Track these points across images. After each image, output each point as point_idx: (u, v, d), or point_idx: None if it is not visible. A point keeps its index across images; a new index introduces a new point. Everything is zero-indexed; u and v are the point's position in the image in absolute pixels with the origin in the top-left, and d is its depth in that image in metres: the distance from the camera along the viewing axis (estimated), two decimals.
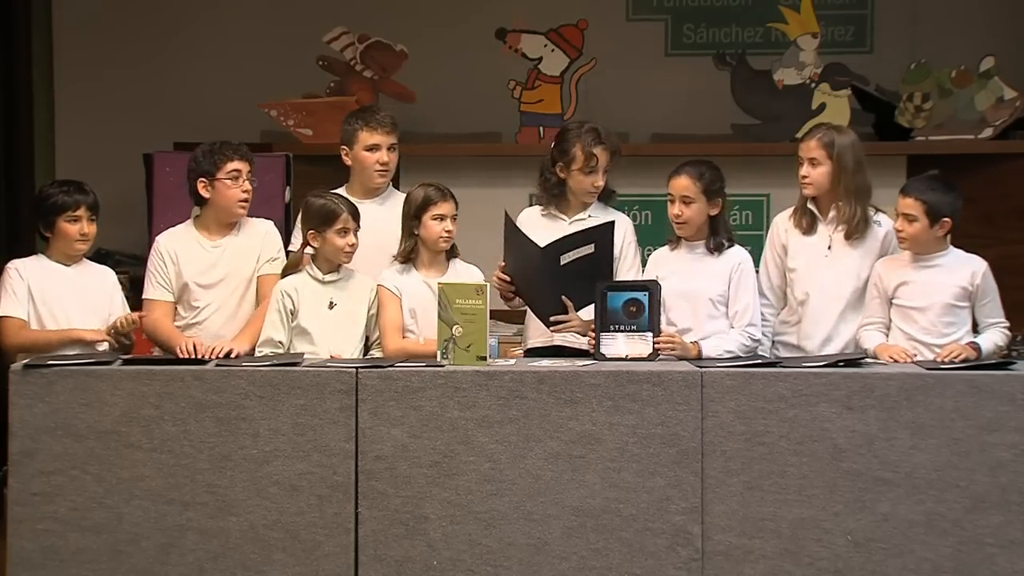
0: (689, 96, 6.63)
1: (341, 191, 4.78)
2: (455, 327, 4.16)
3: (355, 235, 4.49)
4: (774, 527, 4.04)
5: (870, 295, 4.53)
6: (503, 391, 4.07)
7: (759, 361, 4.26)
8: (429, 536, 4.08)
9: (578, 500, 4.06)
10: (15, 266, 4.53)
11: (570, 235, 4.47)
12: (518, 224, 4.66)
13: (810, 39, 6.35)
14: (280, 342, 4.47)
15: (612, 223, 4.48)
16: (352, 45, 6.48)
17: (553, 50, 6.46)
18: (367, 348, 4.55)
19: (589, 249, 4.39)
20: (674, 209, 4.51)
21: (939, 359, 4.23)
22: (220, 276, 4.62)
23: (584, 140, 4.62)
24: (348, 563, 4.09)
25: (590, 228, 4.50)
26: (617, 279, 4.56)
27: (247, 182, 4.61)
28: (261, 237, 4.71)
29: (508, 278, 4.54)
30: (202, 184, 4.61)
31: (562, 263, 4.39)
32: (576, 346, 4.60)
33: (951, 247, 4.48)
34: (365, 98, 6.34)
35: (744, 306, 4.48)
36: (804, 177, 4.59)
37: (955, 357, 4.21)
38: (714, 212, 4.51)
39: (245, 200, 4.63)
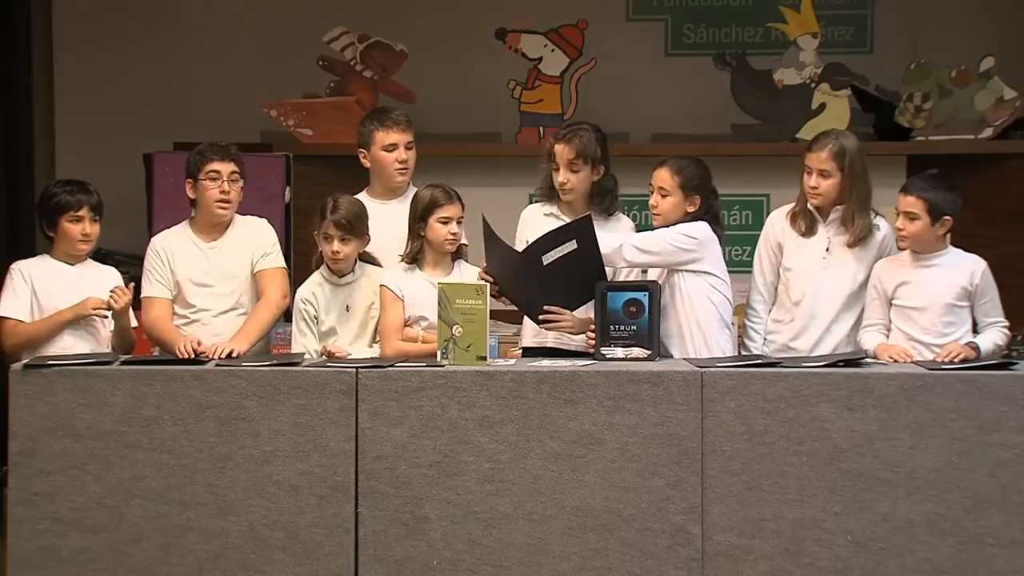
0: (689, 96, 6.62)
1: (363, 195, 4.79)
2: (455, 327, 4.16)
3: (341, 243, 4.48)
4: (774, 527, 4.04)
5: (870, 296, 4.53)
6: (503, 391, 4.07)
7: (759, 361, 4.26)
8: (429, 536, 4.08)
9: (578, 500, 4.06)
10: (19, 267, 4.55)
11: (546, 235, 4.43)
12: (521, 222, 4.68)
13: (810, 39, 6.35)
14: (314, 351, 4.50)
15: (588, 216, 4.45)
16: (352, 45, 6.48)
17: (553, 50, 6.46)
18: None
19: (571, 246, 4.35)
20: (651, 200, 4.54)
21: (938, 359, 4.24)
22: (215, 277, 4.63)
23: (552, 136, 4.68)
24: (348, 563, 4.09)
25: (565, 225, 4.47)
26: (617, 280, 4.56)
27: (227, 183, 4.60)
28: (254, 234, 4.71)
29: (491, 278, 4.53)
30: (189, 185, 4.64)
31: (545, 263, 4.37)
32: (571, 347, 4.60)
33: (950, 247, 4.49)
34: (365, 98, 6.35)
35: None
36: (814, 188, 4.57)
37: (954, 357, 4.21)
38: (691, 209, 4.51)
39: (222, 201, 4.61)
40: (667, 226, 4.51)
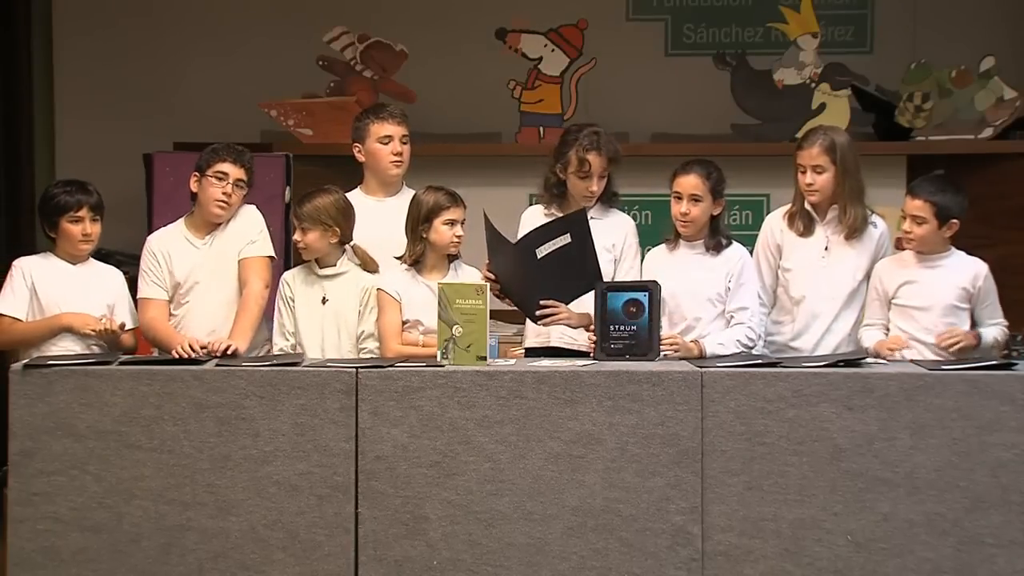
0: (689, 96, 6.63)
1: (357, 192, 4.79)
2: (455, 327, 4.16)
3: (300, 232, 4.52)
4: (774, 527, 4.04)
5: (870, 296, 4.54)
6: (503, 391, 4.07)
7: (759, 361, 4.25)
8: (429, 536, 4.08)
9: (578, 500, 4.06)
10: (20, 264, 4.55)
11: (540, 227, 4.44)
12: (522, 223, 4.68)
13: (810, 39, 6.35)
14: (289, 332, 4.53)
15: (583, 211, 4.46)
16: (352, 45, 6.48)
17: (553, 50, 6.46)
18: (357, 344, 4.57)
19: (565, 239, 4.36)
20: (681, 207, 4.49)
21: (939, 342, 4.25)
22: (210, 272, 4.62)
23: (580, 144, 4.60)
24: (348, 563, 4.09)
25: (560, 218, 4.49)
26: (615, 280, 4.56)
27: (231, 186, 4.59)
28: (242, 225, 4.69)
29: (494, 276, 4.53)
30: (194, 178, 4.64)
31: (539, 256, 4.37)
32: (574, 347, 4.60)
33: (953, 248, 4.49)
34: (365, 98, 6.34)
35: (744, 303, 4.48)
36: (810, 185, 4.57)
37: (955, 342, 4.23)
38: (717, 212, 4.52)
39: (221, 202, 4.60)
40: (697, 232, 4.51)
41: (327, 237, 4.53)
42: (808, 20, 6.35)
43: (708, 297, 4.49)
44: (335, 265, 4.57)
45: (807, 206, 4.64)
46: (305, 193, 4.60)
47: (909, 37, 6.61)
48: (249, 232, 4.67)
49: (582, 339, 4.56)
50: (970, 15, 6.66)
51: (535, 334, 4.72)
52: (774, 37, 6.49)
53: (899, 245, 4.69)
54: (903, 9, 6.68)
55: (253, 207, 4.76)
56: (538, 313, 4.47)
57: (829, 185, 4.57)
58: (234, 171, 4.60)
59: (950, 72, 6.29)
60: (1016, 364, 4.18)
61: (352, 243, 4.61)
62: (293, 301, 4.55)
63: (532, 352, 4.68)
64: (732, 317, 4.49)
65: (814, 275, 4.60)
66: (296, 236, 4.55)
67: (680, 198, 4.50)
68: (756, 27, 6.69)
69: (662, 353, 4.30)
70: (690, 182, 4.48)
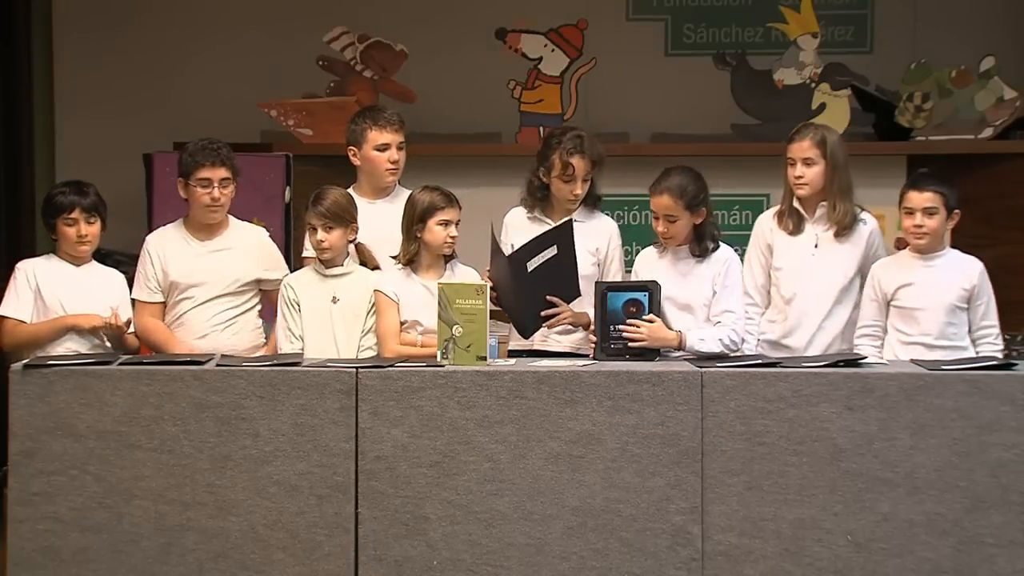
0: (689, 96, 6.63)
1: (349, 192, 4.79)
2: (455, 327, 4.16)
3: (325, 231, 4.47)
4: (774, 527, 4.04)
5: (867, 296, 4.52)
6: (503, 391, 4.07)
7: (759, 361, 4.25)
8: (429, 536, 4.08)
9: (578, 500, 4.06)
10: (23, 267, 4.56)
11: (531, 241, 4.47)
12: (505, 226, 4.71)
13: (810, 39, 6.36)
14: (296, 336, 4.49)
15: (569, 222, 4.48)
16: (352, 45, 6.49)
17: (553, 50, 6.46)
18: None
19: (552, 251, 4.40)
20: (659, 226, 4.48)
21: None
22: (206, 276, 4.62)
23: (563, 148, 4.61)
24: (348, 563, 4.09)
25: (549, 231, 4.51)
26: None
27: (217, 189, 4.58)
28: (256, 247, 4.71)
29: (492, 284, 4.54)
30: (180, 184, 4.63)
31: (530, 269, 4.40)
32: (556, 349, 4.60)
33: (948, 247, 4.49)
34: (365, 98, 6.34)
35: (728, 307, 4.45)
36: (799, 178, 4.57)
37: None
38: (698, 221, 4.48)
39: (212, 207, 4.60)
40: (682, 241, 4.49)
41: (347, 234, 4.53)
42: (808, 20, 6.35)
43: (697, 304, 4.47)
44: (343, 264, 4.57)
45: (796, 204, 4.63)
46: (315, 194, 4.54)
47: (909, 37, 6.62)
48: (272, 262, 4.71)
49: (567, 340, 4.59)
50: (970, 15, 6.66)
51: (517, 336, 4.72)
52: (774, 37, 6.49)
53: (899, 244, 4.68)
54: (903, 9, 6.68)
55: (265, 233, 4.76)
56: (544, 312, 4.47)
57: (819, 179, 4.56)
58: (215, 173, 4.58)
59: (950, 72, 6.30)
60: (1016, 364, 4.19)
61: (356, 241, 4.61)
62: (299, 304, 4.53)
63: (515, 355, 4.66)
64: (718, 321, 4.46)
65: (804, 273, 4.59)
66: (320, 236, 4.47)
67: (658, 218, 4.49)
68: (756, 27, 6.69)
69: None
70: (663, 203, 4.44)
